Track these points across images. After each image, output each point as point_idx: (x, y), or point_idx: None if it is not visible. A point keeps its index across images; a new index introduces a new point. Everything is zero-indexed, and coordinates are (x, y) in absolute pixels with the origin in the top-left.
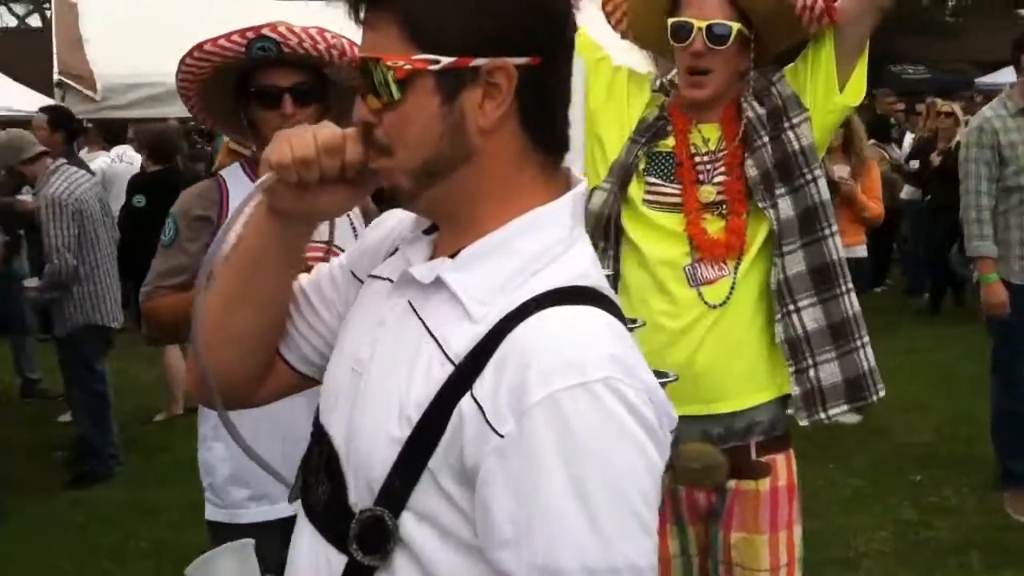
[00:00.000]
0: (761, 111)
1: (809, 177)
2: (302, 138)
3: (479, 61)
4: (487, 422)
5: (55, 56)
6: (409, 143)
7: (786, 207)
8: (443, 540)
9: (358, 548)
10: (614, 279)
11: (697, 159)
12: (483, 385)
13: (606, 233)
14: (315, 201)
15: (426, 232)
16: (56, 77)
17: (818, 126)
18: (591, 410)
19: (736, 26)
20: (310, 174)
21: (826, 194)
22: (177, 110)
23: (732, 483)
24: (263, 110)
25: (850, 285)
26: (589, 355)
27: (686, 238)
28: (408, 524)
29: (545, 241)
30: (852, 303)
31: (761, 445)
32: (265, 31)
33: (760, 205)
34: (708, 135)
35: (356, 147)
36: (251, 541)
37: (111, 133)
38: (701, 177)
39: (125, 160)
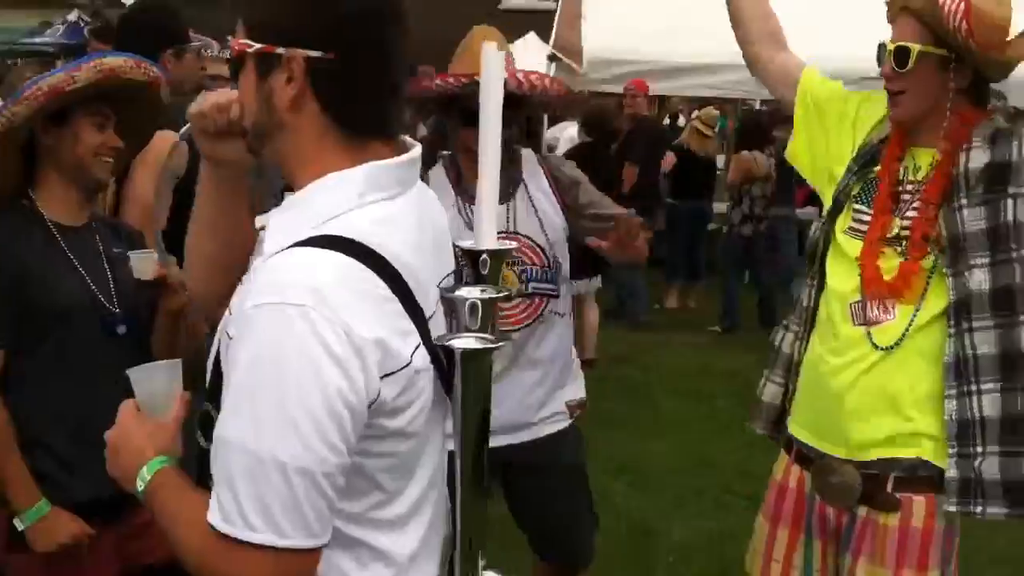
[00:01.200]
0: (986, 158)
1: (1017, 255)
2: (207, 98)
3: (280, 50)
4: (227, 328)
5: (553, 31)
6: (245, 109)
7: (980, 280)
8: None
9: (201, 433)
10: (812, 312)
11: (902, 187)
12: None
13: (811, 263)
14: (218, 148)
15: None
16: (550, 50)
17: None
18: (277, 326)
19: (917, 47)
20: (206, 124)
21: None
22: (656, 87)
23: (863, 510)
24: (466, 128)
25: None
26: (295, 283)
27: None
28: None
29: (332, 201)
30: None
31: (899, 480)
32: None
33: (944, 270)
34: (920, 162)
35: (236, 108)
36: (180, 360)
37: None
38: (900, 206)
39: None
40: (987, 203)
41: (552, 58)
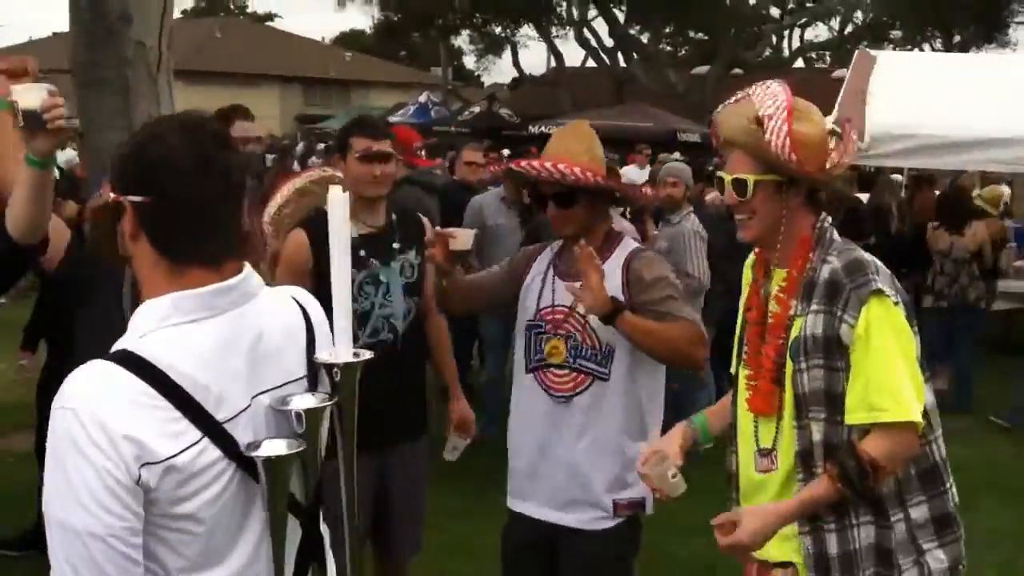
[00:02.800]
0: (820, 327)
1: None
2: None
3: (120, 197)
4: None
5: (837, 103)
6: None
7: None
8: None
9: None
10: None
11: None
12: None
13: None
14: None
15: None
16: (830, 125)
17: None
18: (58, 421)
19: (753, 178)
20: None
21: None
22: (940, 162)
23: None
24: (541, 209)
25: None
26: (73, 391)
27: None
28: None
29: (142, 322)
30: None
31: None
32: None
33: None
34: (776, 281)
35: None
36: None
37: None
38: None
39: None
40: (824, 368)
41: (832, 133)
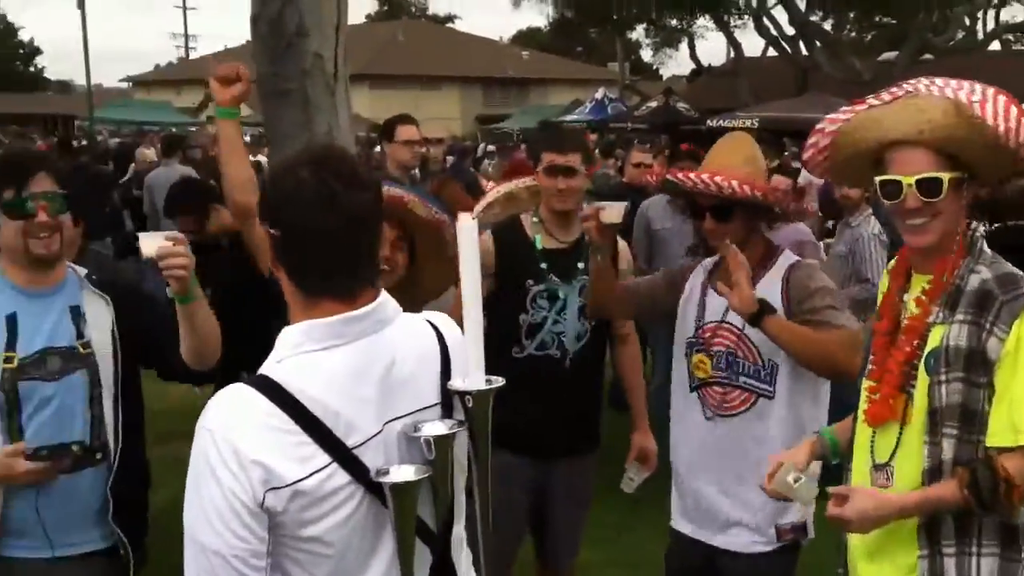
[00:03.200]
0: (964, 339)
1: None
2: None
3: (264, 226)
4: None
5: None
6: None
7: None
8: None
9: None
10: None
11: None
12: None
13: None
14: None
15: None
16: None
17: None
18: (198, 440)
19: (947, 175)
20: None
21: None
22: None
23: None
24: (697, 220)
25: None
26: (213, 412)
27: None
28: None
29: (281, 345)
30: None
31: None
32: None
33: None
34: (915, 289)
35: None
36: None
37: None
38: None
39: None
40: (964, 383)
41: None
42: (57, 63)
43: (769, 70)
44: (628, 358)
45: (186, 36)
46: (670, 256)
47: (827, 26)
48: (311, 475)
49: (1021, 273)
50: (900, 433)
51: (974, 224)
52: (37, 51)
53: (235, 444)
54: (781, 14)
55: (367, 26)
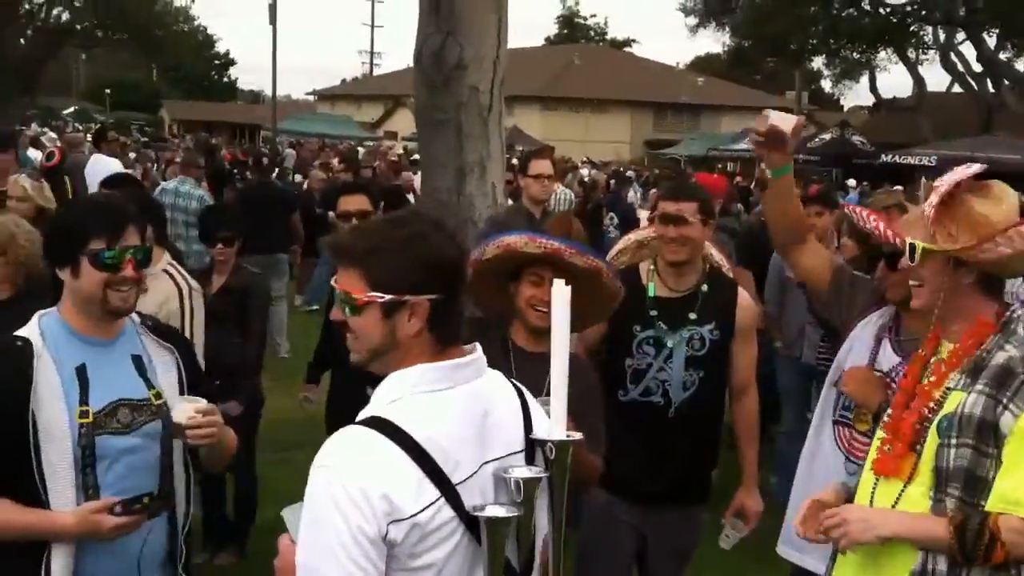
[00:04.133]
0: (979, 409)
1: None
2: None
3: (407, 297)
4: None
5: None
6: (364, 338)
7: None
8: None
9: None
10: None
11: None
12: None
13: None
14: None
15: None
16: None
17: None
18: (319, 481)
19: (921, 245)
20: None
21: None
22: None
23: None
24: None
25: None
26: (333, 451)
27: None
28: None
29: (396, 387)
30: None
31: None
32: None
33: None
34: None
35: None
36: None
37: None
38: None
39: None
40: (973, 449)
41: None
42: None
43: (953, 106)
44: (744, 412)
45: (371, 52)
46: (802, 304)
47: (1019, 65)
48: (425, 508)
49: None
50: (903, 488)
51: (1015, 306)
52: (231, 62)
53: (360, 481)
54: (969, 50)
55: (544, 49)
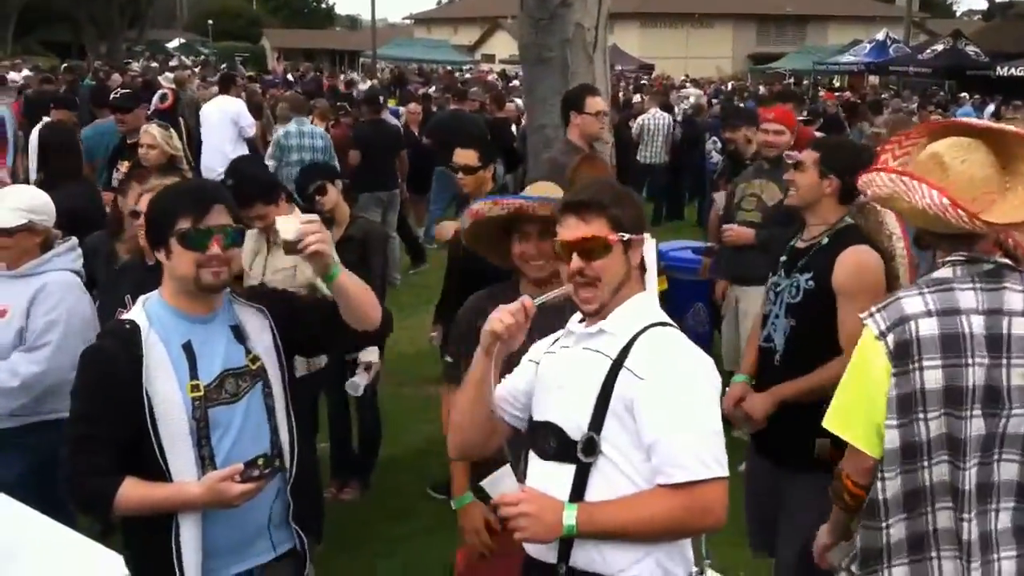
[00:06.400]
0: None
1: None
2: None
3: (635, 236)
4: (635, 375)
5: None
6: (608, 274)
7: None
8: (619, 446)
9: (583, 453)
10: None
11: None
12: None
13: None
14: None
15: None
16: None
17: None
18: (691, 369)
19: None
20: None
21: None
22: None
23: None
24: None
25: None
26: (691, 354)
27: None
28: (603, 440)
29: (639, 308)
30: None
31: None
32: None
33: None
34: None
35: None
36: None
37: None
38: None
39: None
40: None
41: None
42: None
43: None
44: (824, 365)
45: None
46: None
47: None
48: None
49: None
50: None
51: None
52: None
53: (705, 360)
54: None
55: None
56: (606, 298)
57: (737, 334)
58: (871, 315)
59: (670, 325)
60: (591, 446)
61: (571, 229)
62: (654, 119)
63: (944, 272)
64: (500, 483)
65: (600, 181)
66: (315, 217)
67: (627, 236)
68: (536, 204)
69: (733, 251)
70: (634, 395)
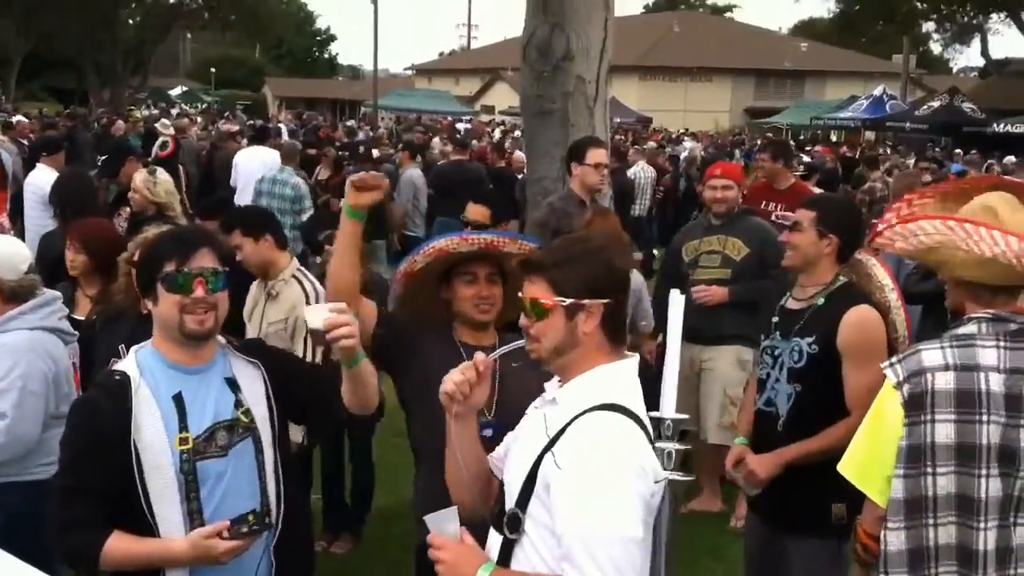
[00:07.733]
0: None
1: None
2: (450, 381)
3: (586, 301)
4: (555, 463)
5: None
6: (548, 336)
7: None
8: (539, 526)
9: (507, 529)
10: None
11: None
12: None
13: None
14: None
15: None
16: None
17: None
18: (596, 462)
19: None
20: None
21: None
22: None
23: None
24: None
25: None
26: (608, 436)
27: None
28: (528, 517)
29: (611, 383)
30: None
31: None
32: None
33: None
34: None
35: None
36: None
37: None
38: None
39: None
40: None
41: None
42: (349, 49)
43: None
44: (832, 426)
45: (468, 25)
46: None
47: None
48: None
49: None
50: None
51: None
52: (332, 38)
53: (638, 457)
54: None
55: (642, 17)
56: (546, 357)
57: (697, 395)
58: (891, 365)
59: (619, 409)
60: (515, 523)
61: (523, 286)
62: (643, 172)
63: (969, 328)
64: (442, 521)
65: (571, 239)
66: (343, 306)
67: (568, 301)
68: (505, 239)
69: (698, 310)
70: (550, 482)
